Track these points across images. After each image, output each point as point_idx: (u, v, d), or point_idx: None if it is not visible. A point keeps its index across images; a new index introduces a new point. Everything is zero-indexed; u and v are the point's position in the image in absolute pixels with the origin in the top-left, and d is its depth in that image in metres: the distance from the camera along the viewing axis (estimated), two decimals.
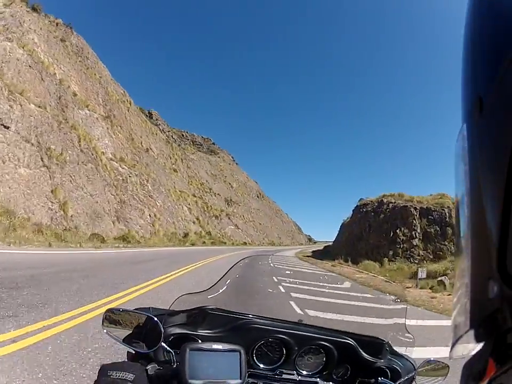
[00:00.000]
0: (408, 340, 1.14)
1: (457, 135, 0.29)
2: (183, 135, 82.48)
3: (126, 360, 0.91)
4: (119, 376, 0.70)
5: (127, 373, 0.71)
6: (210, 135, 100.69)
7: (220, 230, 44.02)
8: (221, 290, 1.13)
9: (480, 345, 0.25)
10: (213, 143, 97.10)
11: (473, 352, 0.26)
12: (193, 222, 34.58)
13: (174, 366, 0.82)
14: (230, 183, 75.37)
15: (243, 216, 64.62)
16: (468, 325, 0.25)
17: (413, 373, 0.98)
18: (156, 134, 48.65)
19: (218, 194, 59.72)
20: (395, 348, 1.09)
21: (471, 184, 0.26)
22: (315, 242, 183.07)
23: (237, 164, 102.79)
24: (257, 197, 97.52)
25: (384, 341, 1.06)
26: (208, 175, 64.35)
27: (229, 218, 52.67)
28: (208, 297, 1.07)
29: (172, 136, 64.36)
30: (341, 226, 36.61)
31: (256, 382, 0.92)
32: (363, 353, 1.00)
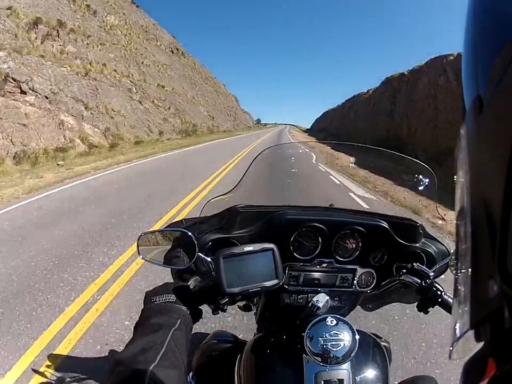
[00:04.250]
0: (439, 222, 1.17)
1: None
2: None
3: (172, 280, 0.93)
4: (161, 300, 0.71)
5: (169, 295, 0.72)
6: None
7: None
8: (248, 186, 1.13)
9: (480, 345, 0.25)
10: None
11: (473, 352, 0.26)
12: None
13: (215, 274, 0.81)
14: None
15: (107, 46, 31.16)
16: (468, 325, 0.25)
17: (447, 259, 0.98)
18: None
19: None
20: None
21: (471, 183, 0.25)
22: (265, 125, 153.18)
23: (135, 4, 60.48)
24: (172, 52, 61.39)
25: (418, 223, 1.05)
26: None
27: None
28: (239, 195, 1.07)
29: None
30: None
31: (297, 274, 0.94)
32: (396, 237, 1.01)
